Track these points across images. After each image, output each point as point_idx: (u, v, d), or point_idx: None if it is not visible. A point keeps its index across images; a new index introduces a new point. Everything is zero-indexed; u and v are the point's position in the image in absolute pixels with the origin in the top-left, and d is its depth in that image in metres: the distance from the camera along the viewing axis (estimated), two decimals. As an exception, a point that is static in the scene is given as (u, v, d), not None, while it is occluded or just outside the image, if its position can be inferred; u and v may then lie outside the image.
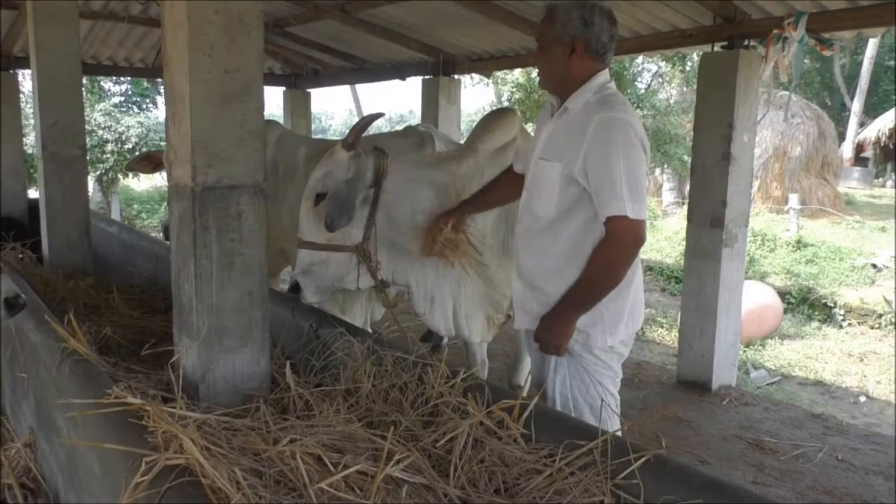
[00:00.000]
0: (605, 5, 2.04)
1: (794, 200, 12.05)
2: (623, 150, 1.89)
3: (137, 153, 13.22)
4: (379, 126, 2.60)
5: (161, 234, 6.82)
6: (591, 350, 2.06)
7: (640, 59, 12.32)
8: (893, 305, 7.86)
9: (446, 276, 2.66)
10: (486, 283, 2.71)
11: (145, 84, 16.94)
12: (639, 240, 1.93)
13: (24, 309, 2.42)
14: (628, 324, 2.09)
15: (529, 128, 2.67)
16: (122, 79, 16.21)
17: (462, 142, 3.56)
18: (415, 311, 2.70)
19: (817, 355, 7.05)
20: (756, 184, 13.60)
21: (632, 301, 2.09)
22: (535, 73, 11.77)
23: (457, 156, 2.71)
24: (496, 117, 2.80)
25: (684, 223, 4.58)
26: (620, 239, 1.92)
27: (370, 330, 3.21)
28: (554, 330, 2.03)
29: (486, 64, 6.12)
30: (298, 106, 8.18)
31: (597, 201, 1.94)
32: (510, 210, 2.64)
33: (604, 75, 2.05)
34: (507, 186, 2.43)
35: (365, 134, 2.54)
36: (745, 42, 4.07)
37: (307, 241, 2.47)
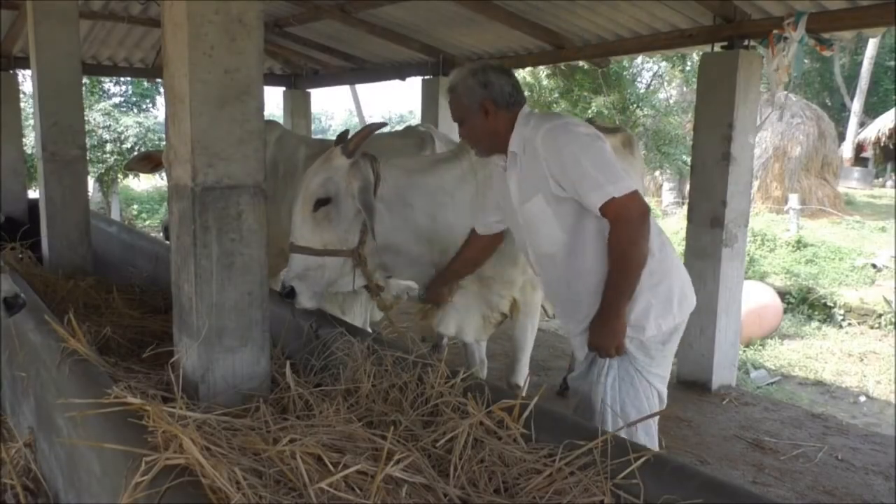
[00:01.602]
0: (492, 62, 2.20)
1: (793, 200, 12.05)
2: (576, 147, 1.95)
3: (136, 153, 13.22)
4: (379, 127, 2.67)
5: (161, 234, 6.83)
6: (647, 349, 2.06)
7: (639, 59, 12.31)
8: (893, 305, 7.86)
9: None
10: (482, 282, 2.72)
11: (145, 84, 16.94)
12: (641, 211, 1.94)
13: (24, 308, 2.42)
14: (682, 305, 2.10)
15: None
16: (122, 79, 16.20)
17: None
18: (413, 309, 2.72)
19: (817, 355, 7.05)
20: (756, 184, 13.60)
21: (679, 282, 2.11)
22: (538, 71, 11.82)
23: (449, 158, 2.72)
24: None
25: (684, 223, 4.58)
26: (622, 218, 1.93)
27: (370, 330, 3.21)
28: (607, 330, 2.03)
29: (485, 64, 6.11)
30: (298, 106, 8.18)
31: (584, 202, 1.97)
32: (506, 211, 2.65)
33: (525, 111, 2.14)
34: (482, 246, 2.53)
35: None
36: (745, 42, 4.07)
37: (301, 245, 2.45)
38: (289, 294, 2.45)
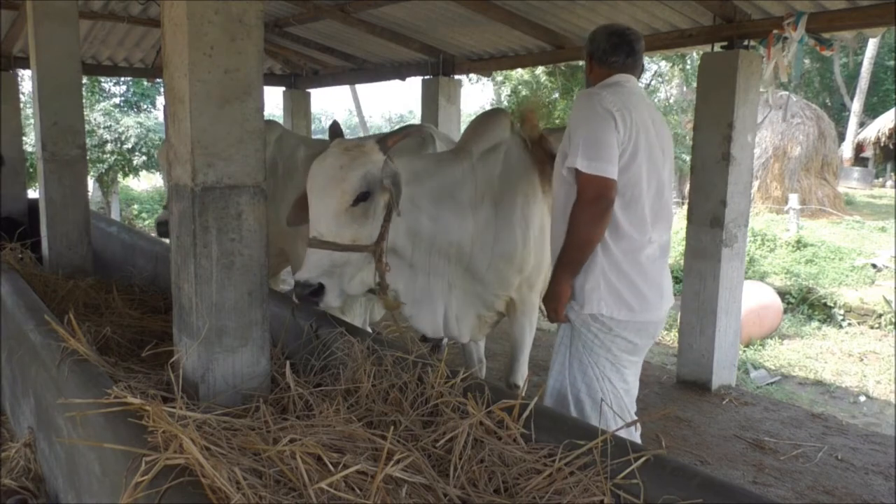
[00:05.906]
0: (630, 28, 2.30)
1: (793, 200, 12.04)
2: (584, 115, 2.10)
3: (137, 153, 13.20)
4: (378, 126, 2.61)
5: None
6: (588, 326, 2.15)
7: (639, 59, 12.30)
8: (893, 305, 7.86)
9: (437, 278, 2.65)
10: (477, 282, 2.71)
11: (145, 84, 16.92)
12: (600, 196, 2.05)
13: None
14: (641, 307, 2.15)
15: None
16: (122, 79, 16.18)
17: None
18: (403, 314, 2.68)
19: (817, 355, 7.04)
20: (756, 184, 13.59)
21: (644, 280, 2.15)
22: (538, 71, 11.85)
23: (450, 158, 2.70)
24: (487, 119, 2.79)
25: (684, 223, 4.59)
26: (581, 193, 2.08)
27: (370, 330, 3.21)
28: (549, 290, 2.18)
29: (486, 64, 6.12)
30: (298, 106, 8.18)
31: None
32: (500, 209, 2.65)
33: (616, 77, 2.23)
34: None
35: (364, 134, 2.53)
36: (745, 42, 4.07)
37: (327, 241, 2.32)
38: (316, 292, 2.30)
